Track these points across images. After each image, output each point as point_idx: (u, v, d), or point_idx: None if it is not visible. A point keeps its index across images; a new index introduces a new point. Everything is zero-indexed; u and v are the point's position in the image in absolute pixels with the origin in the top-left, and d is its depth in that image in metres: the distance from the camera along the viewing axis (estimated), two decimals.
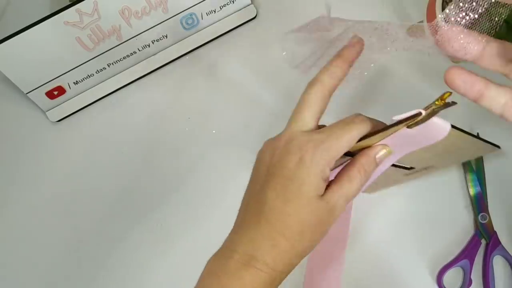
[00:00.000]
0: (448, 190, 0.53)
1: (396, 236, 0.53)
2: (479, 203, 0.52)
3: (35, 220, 0.57)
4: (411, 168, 0.44)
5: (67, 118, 0.59)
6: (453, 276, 0.51)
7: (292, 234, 0.34)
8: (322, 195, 0.34)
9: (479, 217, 0.52)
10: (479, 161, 0.53)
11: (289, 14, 0.59)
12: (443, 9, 0.50)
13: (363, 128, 0.35)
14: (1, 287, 0.56)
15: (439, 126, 0.33)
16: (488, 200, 0.52)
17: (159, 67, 0.59)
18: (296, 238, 0.34)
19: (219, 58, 0.59)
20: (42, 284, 0.56)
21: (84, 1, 0.52)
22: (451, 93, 0.32)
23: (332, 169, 0.34)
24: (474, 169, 0.53)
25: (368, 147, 0.36)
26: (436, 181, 0.53)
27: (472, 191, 0.52)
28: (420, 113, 0.32)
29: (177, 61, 0.60)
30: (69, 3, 0.52)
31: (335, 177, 0.36)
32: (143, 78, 0.59)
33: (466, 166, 0.53)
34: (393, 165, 0.42)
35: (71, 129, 0.59)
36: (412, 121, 0.32)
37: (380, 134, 0.35)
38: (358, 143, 0.35)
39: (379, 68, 0.56)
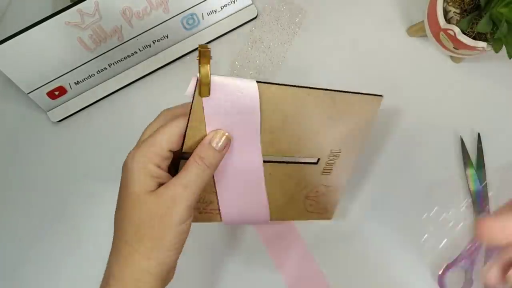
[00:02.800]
0: (449, 190, 0.53)
1: (397, 237, 0.53)
2: (480, 203, 0.52)
3: (35, 220, 0.57)
4: (318, 160, 0.44)
5: (68, 118, 0.59)
6: (455, 277, 0.51)
7: (129, 237, 0.34)
8: (155, 190, 0.35)
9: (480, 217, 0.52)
10: (480, 160, 0.53)
11: (289, 14, 0.59)
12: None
13: (178, 122, 0.36)
14: None
15: (236, 84, 0.35)
16: (489, 200, 0.52)
17: (160, 67, 0.59)
18: (134, 240, 0.34)
19: (220, 58, 0.59)
20: None
21: (85, 2, 0.52)
22: (206, 46, 0.33)
23: (161, 169, 0.36)
24: (475, 167, 0.53)
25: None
26: (437, 180, 0.53)
27: (473, 191, 0.52)
28: (197, 78, 0.33)
29: (177, 61, 0.60)
30: (70, 3, 0.53)
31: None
32: (144, 78, 0.59)
33: (467, 164, 0.53)
34: (298, 162, 0.42)
35: (72, 129, 0.59)
36: (198, 89, 0.34)
37: (190, 116, 0.35)
38: (193, 140, 0.36)
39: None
